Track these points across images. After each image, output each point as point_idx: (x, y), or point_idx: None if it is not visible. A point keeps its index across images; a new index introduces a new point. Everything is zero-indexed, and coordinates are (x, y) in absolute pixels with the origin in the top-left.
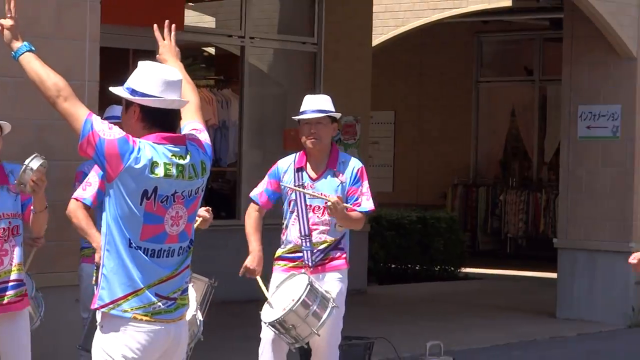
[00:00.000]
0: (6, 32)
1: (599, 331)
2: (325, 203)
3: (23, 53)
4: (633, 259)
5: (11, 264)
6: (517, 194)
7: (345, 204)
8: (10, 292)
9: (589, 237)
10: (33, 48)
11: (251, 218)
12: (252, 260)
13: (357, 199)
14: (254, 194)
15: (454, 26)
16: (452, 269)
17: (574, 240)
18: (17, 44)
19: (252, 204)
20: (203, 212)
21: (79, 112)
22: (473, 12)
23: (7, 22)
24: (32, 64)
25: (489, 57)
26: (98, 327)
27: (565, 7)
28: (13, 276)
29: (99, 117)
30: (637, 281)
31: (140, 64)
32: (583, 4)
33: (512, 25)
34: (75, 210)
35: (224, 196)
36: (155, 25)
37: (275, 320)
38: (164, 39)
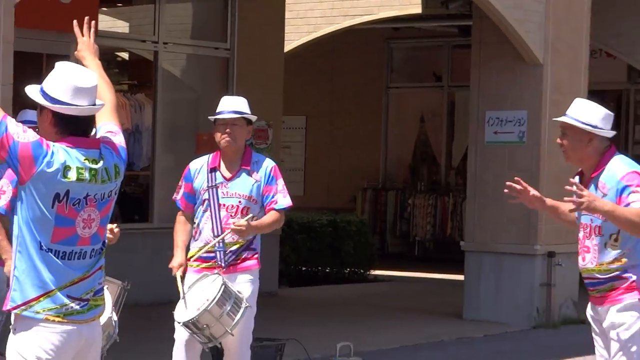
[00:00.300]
0: None
1: (504, 332)
2: (232, 227)
3: None
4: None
5: None
6: (425, 198)
7: (244, 222)
8: None
9: (495, 240)
10: None
11: (177, 222)
12: (174, 261)
13: (273, 197)
14: (176, 199)
15: (365, 32)
16: (362, 271)
17: (481, 243)
18: None
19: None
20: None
21: None
22: (384, 19)
23: None
24: None
25: (399, 63)
26: (11, 329)
27: (474, 14)
28: None
29: (14, 120)
30: (542, 283)
31: (57, 65)
32: (491, 12)
33: (421, 32)
34: None
35: (137, 200)
36: (75, 22)
37: (189, 320)
38: (83, 36)
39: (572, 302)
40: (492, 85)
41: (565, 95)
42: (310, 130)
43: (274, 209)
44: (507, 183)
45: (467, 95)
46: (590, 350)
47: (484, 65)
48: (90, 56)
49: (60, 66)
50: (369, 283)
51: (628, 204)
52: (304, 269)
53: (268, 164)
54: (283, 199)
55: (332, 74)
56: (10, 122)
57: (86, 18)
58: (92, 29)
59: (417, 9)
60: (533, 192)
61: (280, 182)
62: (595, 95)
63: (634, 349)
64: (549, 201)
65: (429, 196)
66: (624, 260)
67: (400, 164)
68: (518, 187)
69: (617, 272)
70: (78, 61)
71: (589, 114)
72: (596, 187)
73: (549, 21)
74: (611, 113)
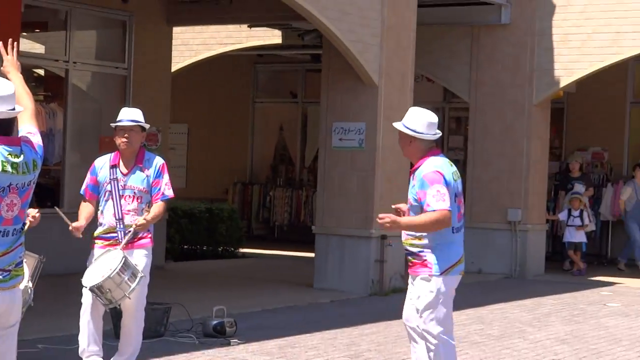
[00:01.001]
0: None
1: (347, 298)
2: (135, 226)
3: None
4: (381, 219)
5: None
6: (283, 191)
7: (142, 220)
8: None
9: (339, 225)
10: None
11: (80, 207)
12: (75, 224)
13: (159, 190)
14: (82, 189)
15: (236, 58)
16: (233, 249)
17: (328, 227)
18: None
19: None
20: (31, 216)
21: None
22: (251, 47)
23: None
24: None
25: (263, 83)
26: None
27: (324, 45)
28: None
29: None
30: (376, 259)
31: None
32: (337, 44)
33: (282, 58)
34: None
35: (50, 189)
36: (0, 43)
37: (95, 285)
38: (7, 55)
39: (400, 275)
40: (338, 102)
41: (395, 111)
42: (191, 135)
43: (160, 200)
44: (380, 216)
45: (318, 109)
46: None
47: (332, 86)
48: (15, 71)
49: None
50: (238, 259)
51: (427, 204)
52: (185, 247)
53: (157, 161)
54: (168, 191)
55: (209, 91)
56: None
57: (10, 40)
58: (15, 49)
59: (279, 40)
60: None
61: (166, 177)
62: None
63: (425, 314)
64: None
65: (286, 189)
66: (424, 240)
67: (263, 163)
68: (387, 220)
69: (417, 249)
70: (4, 76)
71: (413, 121)
72: (413, 178)
73: (383, 53)
74: (435, 121)
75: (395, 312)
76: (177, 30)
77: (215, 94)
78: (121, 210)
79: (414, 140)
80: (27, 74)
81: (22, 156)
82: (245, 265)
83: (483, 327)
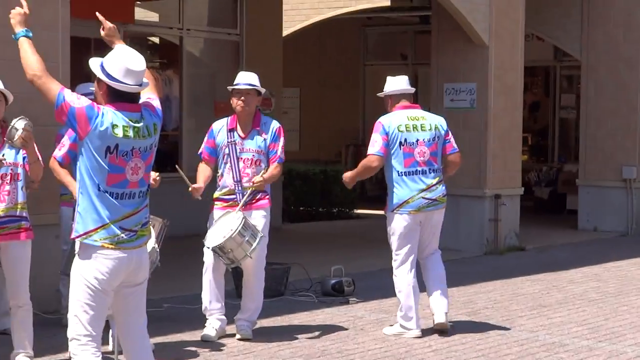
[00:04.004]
0: (16, 17)
1: (462, 257)
2: (253, 184)
3: (20, 37)
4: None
5: (12, 202)
6: None
7: (259, 178)
8: (17, 224)
9: (453, 185)
10: (30, 34)
11: (199, 167)
12: (195, 185)
13: (276, 152)
14: (199, 151)
15: (345, 21)
16: (347, 210)
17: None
18: (18, 29)
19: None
20: (152, 179)
21: (53, 88)
22: (360, 10)
23: (19, 10)
24: (24, 46)
25: (372, 46)
26: (76, 255)
27: (432, 6)
28: (20, 212)
29: (69, 90)
30: (490, 219)
31: (117, 47)
32: (446, 4)
33: (390, 20)
34: (53, 165)
35: (169, 154)
36: (97, 13)
37: (217, 245)
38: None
39: (515, 233)
40: (448, 63)
41: (506, 71)
42: (303, 99)
43: (276, 162)
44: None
45: (428, 71)
46: (528, 272)
47: (441, 47)
48: (119, 40)
49: (120, 48)
50: (352, 220)
51: None
52: (301, 208)
53: (274, 125)
54: (282, 154)
55: (320, 55)
56: (67, 92)
57: (97, 12)
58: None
59: (387, 2)
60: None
61: (282, 140)
62: (528, 70)
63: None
64: None
65: None
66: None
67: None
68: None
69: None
70: (109, 43)
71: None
72: None
73: (492, 12)
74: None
75: (510, 271)
76: None
77: (325, 57)
78: (239, 173)
79: (385, 98)
80: (142, 42)
81: (142, 121)
82: (360, 226)
83: (599, 285)
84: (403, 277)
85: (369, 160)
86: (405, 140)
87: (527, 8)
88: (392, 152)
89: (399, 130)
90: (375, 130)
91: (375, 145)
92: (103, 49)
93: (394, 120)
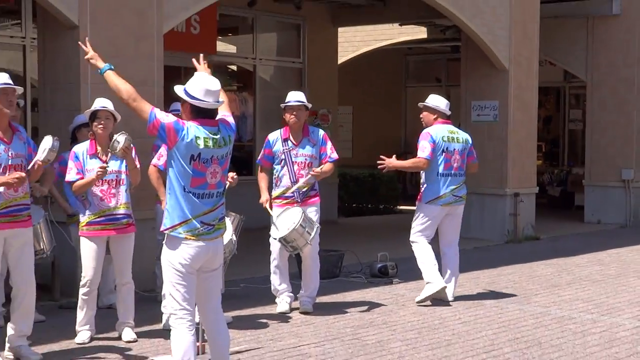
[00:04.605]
0: (93, 58)
1: (487, 245)
2: (311, 174)
3: (105, 71)
4: (389, 163)
5: (118, 203)
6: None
7: (318, 169)
8: (123, 221)
9: (479, 185)
10: (112, 67)
11: (259, 175)
12: (262, 198)
13: (326, 154)
14: (258, 159)
15: (390, 51)
16: (392, 206)
17: (471, 187)
18: (100, 65)
19: (260, 167)
20: (230, 177)
21: (145, 108)
22: (402, 42)
23: (88, 56)
24: (110, 77)
25: (412, 71)
26: (164, 244)
27: (462, 38)
28: (124, 210)
29: (159, 109)
30: (511, 213)
31: (196, 74)
32: (473, 36)
33: (427, 49)
34: (151, 172)
35: (244, 161)
36: (193, 59)
37: (282, 237)
38: (200, 65)
39: (531, 225)
40: (475, 84)
41: (523, 91)
42: (355, 115)
43: (328, 161)
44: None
45: (458, 91)
46: (542, 257)
47: (469, 72)
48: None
49: (198, 75)
50: (396, 214)
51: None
52: (353, 205)
53: (320, 132)
54: (333, 154)
55: (369, 78)
56: (157, 111)
57: (201, 55)
58: (203, 59)
59: (424, 35)
60: (392, 161)
61: (329, 143)
62: (542, 89)
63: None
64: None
65: None
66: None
67: (414, 136)
68: (385, 160)
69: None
70: None
71: (431, 99)
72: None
73: (512, 42)
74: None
75: (527, 256)
76: (341, 30)
77: (373, 81)
78: (295, 174)
79: (428, 113)
80: (222, 69)
81: (219, 134)
82: (402, 219)
83: (602, 268)
84: (421, 241)
85: (420, 161)
86: (447, 148)
87: (540, 38)
88: (436, 157)
89: (442, 140)
90: (424, 138)
91: (425, 150)
92: (190, 74)
93: (439, 132)
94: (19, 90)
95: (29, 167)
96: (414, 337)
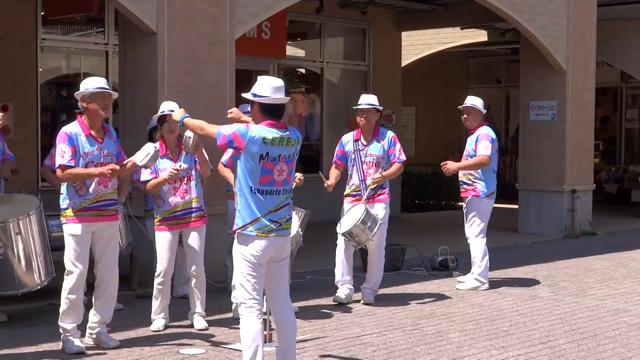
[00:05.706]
0: (175, 113)
1: (545, 240)
2: (374, 180)
3: (183, 119)
4: (451, 165)
5: (190, 198)
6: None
7: (383, 174)
8: (194, 214)
9: (538, 182)
10: (187, 115)
11: (331, 171)
12: (328, 182)
13: (394, 155)
14: (333, 159)
15: (451, 53)
16: (453, 202)
17: (529, 184)
18: (180, 115)
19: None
20: (297, 178)
21: (213, 132)
22: (463, 45)
23: (177, 109)
24: (190, 124)
25: (473, 72)
26: (235, 239)
27: (521, 40)
28: (195, 204)
29: (222, 126)
30: (568, 209)
31: (260, 77)
32: (531, 38)
33: (487, 52)
34: (219, 168)
35: (312, 159)
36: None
37: (346, 231)
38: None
39: (588, 221)
40: (534, 85)
41: (580, 91)
42: (418, 115)
43: (396, 162)
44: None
45: (518, 92)
46: (598, 252)
47: (528, 73)
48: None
49: (262, 77)
50: (456, 210)
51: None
52: (416, 201)
53: (390, 134)
54: (401, 155)
55: (431, 80)
56: (221, 128)
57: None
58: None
59: (484, 38)
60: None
61: (398, 145)
62: (600, 90)
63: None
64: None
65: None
66: (475, 174)
67: None
68: (447, 163)
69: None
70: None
71: (474, 101)
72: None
73: (569, 44)
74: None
75: (584, 251)
76: (404, 34)
77: (435, 82)
78: (364, 173)
79: (471, 113)
80: (292, 72)
81: (287, 134)
82: (462, 215)
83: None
84: (482, 242)
85: (484, 159)
86: (498, 147)
87: (597, 40)
88: (494, 155)
89: (496, 140)
90: (486, 138)
91: (488, 149)
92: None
93: (492, 132)
94: (114, 95)
95: (124, 163)
96: (472, 328)
